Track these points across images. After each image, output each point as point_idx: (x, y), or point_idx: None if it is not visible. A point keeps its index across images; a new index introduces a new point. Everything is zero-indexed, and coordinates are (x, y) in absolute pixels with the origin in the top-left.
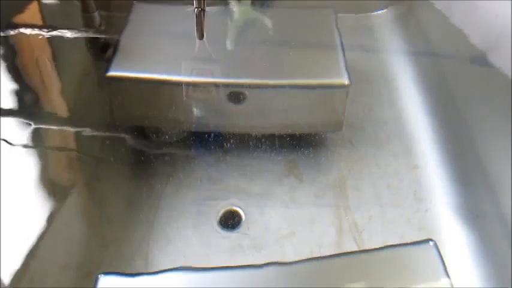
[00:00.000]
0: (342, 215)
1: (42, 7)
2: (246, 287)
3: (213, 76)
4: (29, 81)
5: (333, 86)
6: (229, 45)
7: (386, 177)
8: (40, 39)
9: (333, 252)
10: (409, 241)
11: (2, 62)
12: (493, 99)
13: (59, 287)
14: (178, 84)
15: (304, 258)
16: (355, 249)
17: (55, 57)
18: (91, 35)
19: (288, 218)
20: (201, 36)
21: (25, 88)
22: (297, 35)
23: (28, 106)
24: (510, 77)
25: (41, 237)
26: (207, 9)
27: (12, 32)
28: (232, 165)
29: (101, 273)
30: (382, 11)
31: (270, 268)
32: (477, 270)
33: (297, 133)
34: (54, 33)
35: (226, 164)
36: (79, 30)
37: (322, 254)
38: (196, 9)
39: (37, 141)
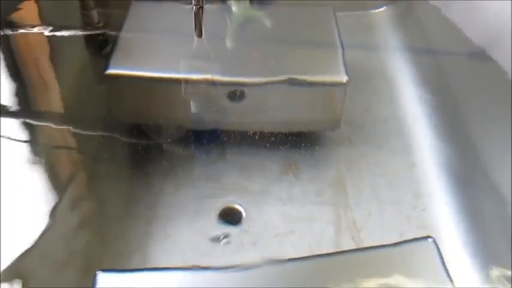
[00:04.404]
0: (340, 213)
1: (41, 5)
2: (244, 286)
3: (211, 74)
4: (27, 80)
5: (331, 84)
6: (228, 43)
7: (385, 175)
8: (38, 37)
9: (332, 250)
10: (408, 239)
11: (1, 60)
12: (493, 97)
13: (57, 285)
14: (176, 82)
15: (302, 255)
16: (354, 246)
17: (53, 55)
18: (89, 32)
19: (287, 216)
20: (199, 34)
21: (24, 86)
22: (295, 32)
23: (27, 104)
24: (510, 75)
25: (40, 235)
26: (206, 6)
27: (10, 31)
28: (231, 163)
29: (99, 270)
30: (381, 8)
31: (268, 266)
32: (476, 268)
33: (295, 131)
34: (53, 31)
35: (225, 162)
36: (77, 28)
37: (321, 252)
38: (194, 7)
39: (36, 139)
